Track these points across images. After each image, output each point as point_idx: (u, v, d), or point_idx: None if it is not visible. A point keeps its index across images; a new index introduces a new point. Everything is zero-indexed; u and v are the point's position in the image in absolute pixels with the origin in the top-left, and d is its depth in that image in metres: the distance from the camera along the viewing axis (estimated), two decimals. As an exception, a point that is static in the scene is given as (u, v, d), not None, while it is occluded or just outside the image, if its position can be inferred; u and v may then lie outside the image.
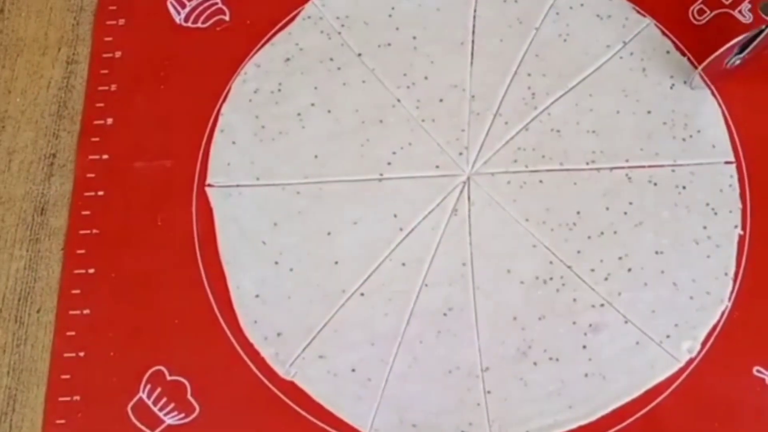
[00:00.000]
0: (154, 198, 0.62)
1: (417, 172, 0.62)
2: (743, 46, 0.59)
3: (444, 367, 0.57)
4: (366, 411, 0.56)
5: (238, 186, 0.62)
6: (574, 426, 0.56)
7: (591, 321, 0.57)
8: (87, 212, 0.61)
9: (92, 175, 0.62)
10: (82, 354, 0.58)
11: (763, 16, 0.59)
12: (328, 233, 0.60)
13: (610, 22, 0.65)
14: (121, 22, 0.67)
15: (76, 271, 0.60)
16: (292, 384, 0.57)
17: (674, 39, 0.65)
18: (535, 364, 0.57)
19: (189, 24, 0.67)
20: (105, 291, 0.59)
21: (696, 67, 0.62)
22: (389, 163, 0.62)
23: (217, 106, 0.64)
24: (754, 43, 0.59)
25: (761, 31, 0.58)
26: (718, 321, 0.58)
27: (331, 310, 0.58)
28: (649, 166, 0.61)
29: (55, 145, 0.64)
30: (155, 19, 0.67)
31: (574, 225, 0.60)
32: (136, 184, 0.62)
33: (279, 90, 0.64)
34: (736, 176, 0.61)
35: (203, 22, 0.67)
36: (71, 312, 0.59)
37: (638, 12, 0.65)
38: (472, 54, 0.65)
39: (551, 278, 0.59)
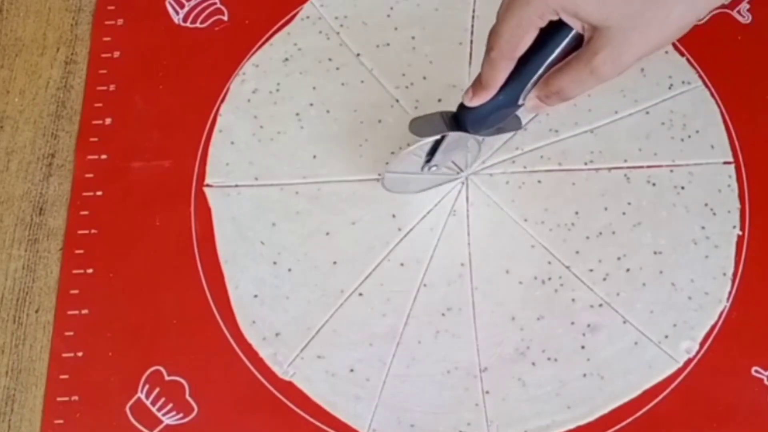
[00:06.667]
0: (153, 198, 0.61)
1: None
2: (431, 151, 0.54)
3: (442, 368, 0.57)
4: (364, 411, 0.56)
5: (236, 186, 0.62)
6: (572, 426, 0.55)
7: (589, 321, 0.57)
8: (86, 212, 0.61)
9: (91, 175, 0.62)
10: (80, 354, 0.58)
11: (412, 133, 0.51)
12: (327, 233, 0.60)
13: (608, 22, 0.65)
14: (120, 22, 0.67)
15: (75, 271, 0.60)
16: (290, 384, 0.57)
17: (673, 39, 0.65)
18: (533, 364, 0.57)
19: (188, 24, 0.67)
20: (104, 291, 0.59)
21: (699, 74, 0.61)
22: (388, 163, 0.62)
23: (216, 106, 0.64)
24: (440, 148, 0.53)
25: (443, 138, 0.52)
26: (717, 321, 0.58)
27: (330, 311, 0.58)
28: (648, 167, 0.61)
29: (53, 145, 0.64)
30: (154, 19, 0.67)
31: (573, 225, 0.60)
32: (135, 184, 0.62)
33: (277, 90, 0.64)
34: (734, 176, 0.61)
35: (202, 22, 0.67)
36: (70, 312, 0.59)
37: (637, 12, 0.65)
38: (470, 54, 0.65)
39: (550, 278, 0.58)
